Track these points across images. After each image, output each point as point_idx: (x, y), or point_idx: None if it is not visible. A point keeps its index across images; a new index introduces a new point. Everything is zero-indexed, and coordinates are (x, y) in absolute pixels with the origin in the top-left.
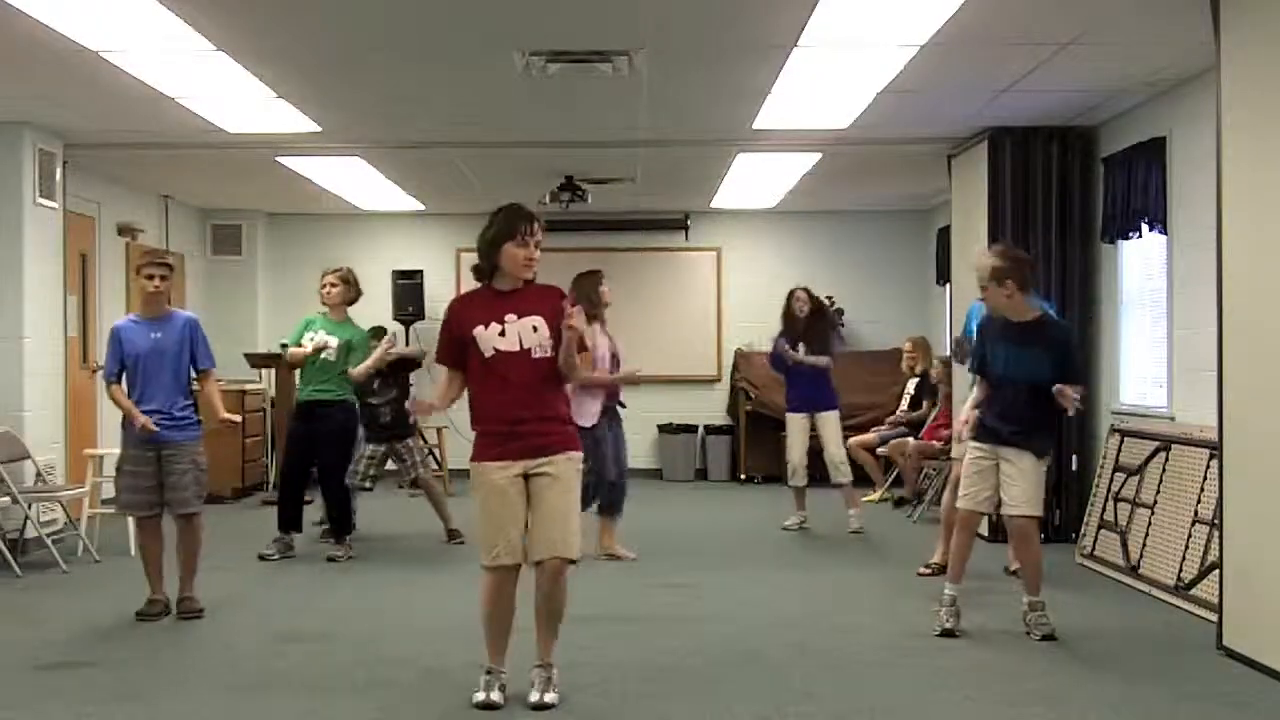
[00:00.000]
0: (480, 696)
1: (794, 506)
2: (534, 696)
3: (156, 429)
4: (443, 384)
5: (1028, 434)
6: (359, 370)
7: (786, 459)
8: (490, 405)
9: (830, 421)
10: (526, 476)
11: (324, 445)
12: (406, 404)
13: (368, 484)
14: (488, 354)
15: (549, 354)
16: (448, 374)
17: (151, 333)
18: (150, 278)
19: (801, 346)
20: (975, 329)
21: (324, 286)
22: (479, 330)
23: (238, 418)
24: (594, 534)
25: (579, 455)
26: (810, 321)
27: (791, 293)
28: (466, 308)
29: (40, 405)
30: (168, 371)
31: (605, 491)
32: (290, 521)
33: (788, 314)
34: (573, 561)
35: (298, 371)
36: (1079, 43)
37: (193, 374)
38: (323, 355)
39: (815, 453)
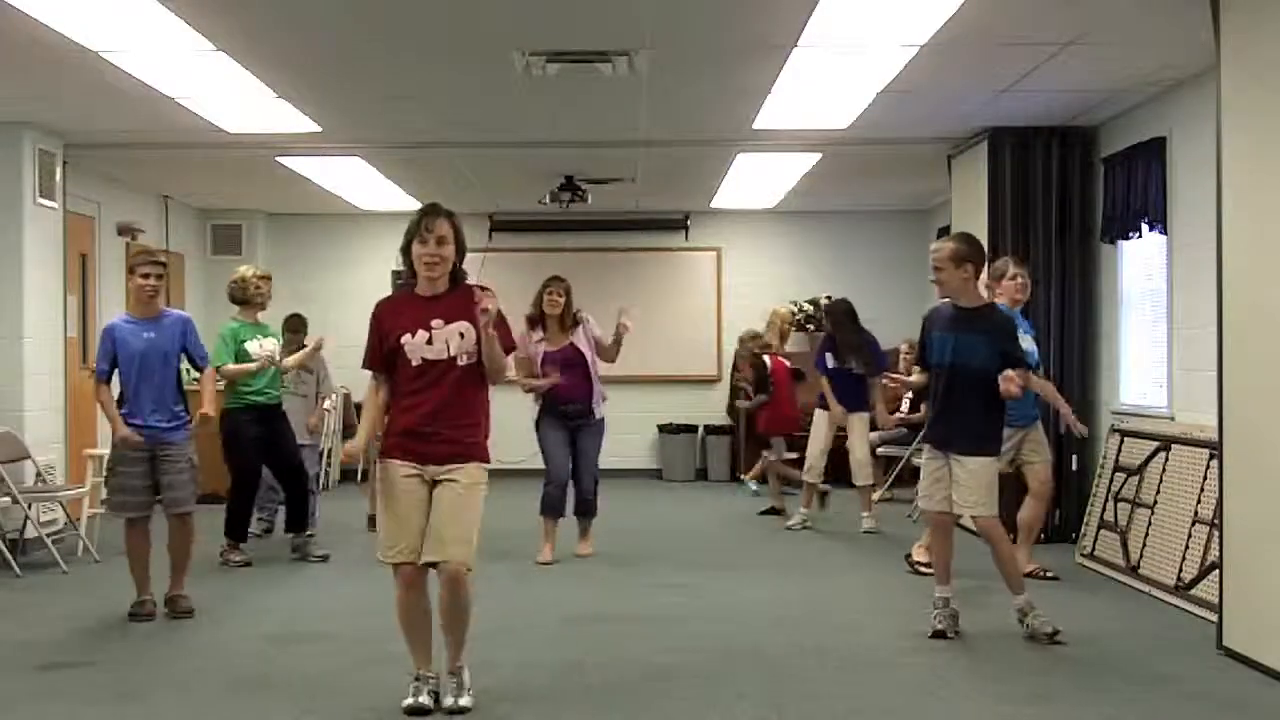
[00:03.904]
0: (409, 701)
1: (802, 502)
2: (448, 700)
3: (141, 439)
4: (371, 399)
5: (977, 441)
6: (292, 361)
7: (806, 453)
8: (410, 408)
9: (861, 423)
10: (434, 482)
11: (290, 445)
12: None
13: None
14: (415, 363)
15: (475, 360)
16: (377, 381)
17: (145, 333)
18: (146, 276)
19: (853, 360)
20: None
21: (259, 288)
22: (406, 339)
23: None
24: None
25: (486, 467)
26: (851, 332)
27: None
28: (391, 313)
29: (40, 405)
30: (162, 372)
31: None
32: (245, 532)
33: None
34: (468, 568)
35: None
36: (1079, 43)
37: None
38: (273, 360)
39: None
